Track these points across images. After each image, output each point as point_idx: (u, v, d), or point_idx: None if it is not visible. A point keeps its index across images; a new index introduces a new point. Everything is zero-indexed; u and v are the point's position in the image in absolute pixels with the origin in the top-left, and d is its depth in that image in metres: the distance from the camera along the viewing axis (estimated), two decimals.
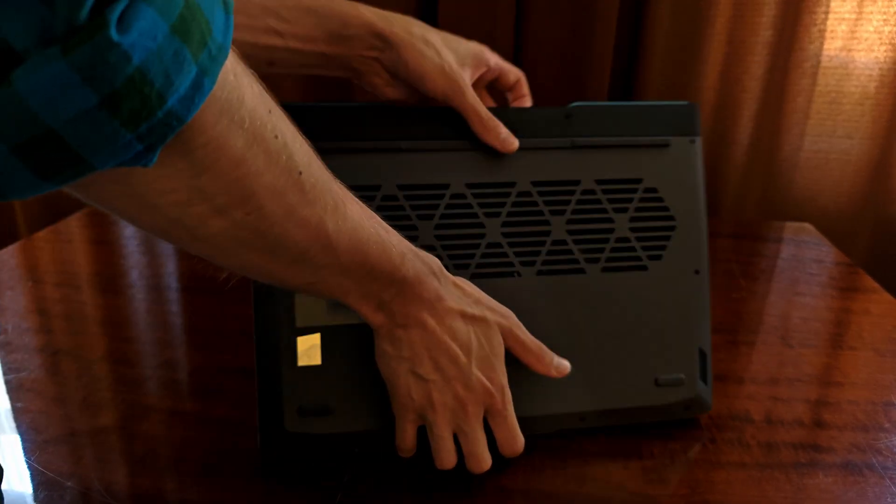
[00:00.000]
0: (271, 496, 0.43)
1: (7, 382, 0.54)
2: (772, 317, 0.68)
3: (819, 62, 0.93)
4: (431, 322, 0.40)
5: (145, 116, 0.22)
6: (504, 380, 0.43)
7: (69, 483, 0.43)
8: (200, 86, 0.24)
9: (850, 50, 0.94)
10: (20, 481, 0.44)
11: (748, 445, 0.48)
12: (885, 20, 0.92)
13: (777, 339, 0.63)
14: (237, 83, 0.27)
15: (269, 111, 0.30)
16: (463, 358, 0.41)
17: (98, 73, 0.21)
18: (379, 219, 0.39)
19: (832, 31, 0.93)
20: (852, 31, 0.93)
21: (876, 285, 0.75)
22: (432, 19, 0.92)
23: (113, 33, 0.20)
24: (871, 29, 0.93)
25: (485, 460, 0.42)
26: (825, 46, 0.92)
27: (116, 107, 0.22)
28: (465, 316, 0.42)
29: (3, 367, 0.56)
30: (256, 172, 0.29)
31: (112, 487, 0.43)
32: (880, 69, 0.93)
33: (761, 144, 0.97)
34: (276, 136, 0.30)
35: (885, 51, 0.92)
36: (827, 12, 0.90)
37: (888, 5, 0.91)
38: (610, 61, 0.93)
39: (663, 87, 0.94)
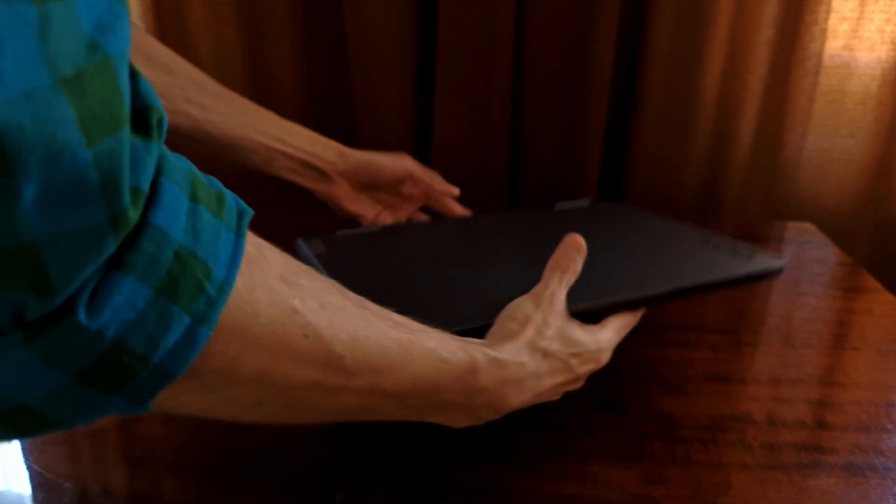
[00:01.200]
0: (271, 496, 0.43)
1: None
2: (774, 317, 0.68)
3: (821, 61, 0.92)
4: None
5: (126, 380, 0.21)
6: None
7: (67, 484, 0.43)
8: (194, 337, 0.22)
9: (852, 49, 0.94)
10: (18, 482, 0.43)
11: (750, 446, 0.48)
12: (886, 19, 0.91)
13: (779, 340, 0.63)
14: (249, 297, 0.24)
15: (295, 310, 0.26)
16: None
17: (67, 357, 0.19)
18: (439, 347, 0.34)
19: (834, 30, 0.92)
20: (854, 30, 0.93)
21: (878, 285, 0.75)
22: (432, 20, 0.92)
23: (81, 318, 0.19)
24: (873, 28, 0.92)
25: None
26: (827, 45, 0.92)
27: (91, 380, 0.20)
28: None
29: None
30: (284, 377, 0.26)
31: (111, 488, 0.43)
32: (882, 68, 0.92)
33: (763, 144, 0.97)
34: (306, 335, 0.27)
35: (888, 50, 0.92)
36: (829, 11, 0.90)
37: (890, 4, 0.91)
38: (611, 60, 0.93)
39: (665, 86, 0.94)
